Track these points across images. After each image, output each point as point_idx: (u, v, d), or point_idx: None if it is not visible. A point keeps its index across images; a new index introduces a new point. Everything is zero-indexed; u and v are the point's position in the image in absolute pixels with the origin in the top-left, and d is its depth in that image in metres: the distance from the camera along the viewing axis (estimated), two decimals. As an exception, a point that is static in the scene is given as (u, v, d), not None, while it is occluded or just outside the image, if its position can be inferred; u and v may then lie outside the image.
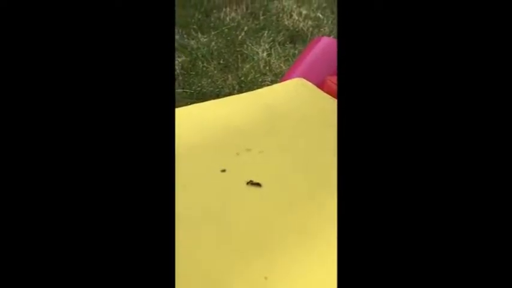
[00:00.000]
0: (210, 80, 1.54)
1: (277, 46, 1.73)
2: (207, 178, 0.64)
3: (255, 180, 0.64)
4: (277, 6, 2.00)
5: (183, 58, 1.62)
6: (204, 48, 1.67)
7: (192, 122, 0.75)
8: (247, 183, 0.63)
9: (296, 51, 1.70)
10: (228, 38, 1.75)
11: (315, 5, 2.04)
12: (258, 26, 1.85)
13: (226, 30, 1.79)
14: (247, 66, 1.61)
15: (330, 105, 0.85)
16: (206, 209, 0.59)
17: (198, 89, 1.49)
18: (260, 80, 1.56)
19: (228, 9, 1.93)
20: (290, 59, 1.66)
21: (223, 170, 0.65)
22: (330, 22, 1.92)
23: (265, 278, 0.51)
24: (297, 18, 1.92)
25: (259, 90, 0.90)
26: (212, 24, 1.83)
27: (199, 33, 1.75)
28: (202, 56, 1.63)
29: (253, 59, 1.65)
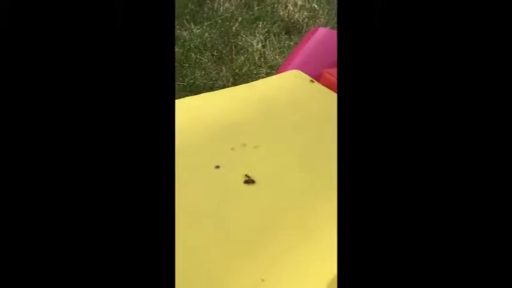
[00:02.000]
0: (203, 72, 1.51)
1: (273, 37, 1.71)
2: (200, 175, 0.62)
3: (251, 177, 0.62)
4: (271, -3, 1.97)
5: (176, 50, 1.59)
6: (197, 40, 1.64)
7: (184, 115, 0.72)
8: (245, 178, 0.61)
9: (292, 43, 1.68)
10: (222, 29, 1.72)
11: (310, -4, 2.01)
12: (252, 17, 1.82)
13: (219, 21, 1.76)
14: (242, 58, 1.59)
15: (327, 97, 0.83)
16: (200, 207, 0.57)
17: (191, 81, 1.46)
18: (255, 72, 1.54)
19: (221, -1, 1.90)
20: (285, 50, 1.64)
21: (218, 166, 0.63)
22: (325, 13, 1.90)
23: (262, 280, 0.49)
24: (292, 9, 1.90)
25: (254, 82, 0.87)
26: (205, 15, 1.79)
27: (192, 24, 1.72)
28: (195, 48, 1.61)
29: (247, 50, 1.63)
